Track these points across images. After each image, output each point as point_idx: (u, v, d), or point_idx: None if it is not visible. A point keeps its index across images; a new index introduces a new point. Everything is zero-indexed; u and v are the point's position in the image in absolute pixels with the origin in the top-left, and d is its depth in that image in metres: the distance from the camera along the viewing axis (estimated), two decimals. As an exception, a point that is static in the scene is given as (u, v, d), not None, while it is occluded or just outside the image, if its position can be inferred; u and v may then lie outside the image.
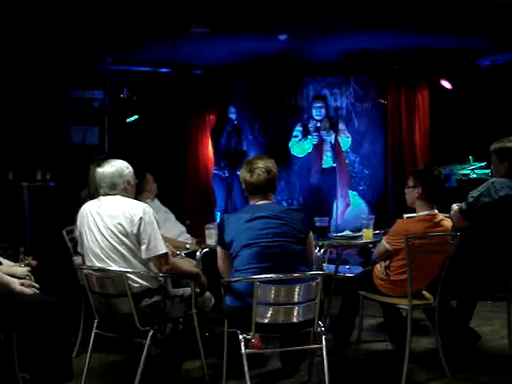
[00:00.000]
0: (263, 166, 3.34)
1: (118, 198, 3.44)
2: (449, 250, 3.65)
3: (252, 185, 3.36)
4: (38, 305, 3.16)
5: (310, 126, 6.86)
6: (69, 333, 3.47)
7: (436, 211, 3.77)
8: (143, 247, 3.32)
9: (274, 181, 3.38)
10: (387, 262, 3.78)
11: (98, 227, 3.39)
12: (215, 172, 7.11)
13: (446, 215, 3.90)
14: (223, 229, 3.31)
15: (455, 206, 4.00)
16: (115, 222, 3.34)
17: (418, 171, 3.91)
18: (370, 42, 6.17)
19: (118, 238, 3.33)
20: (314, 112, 6.84)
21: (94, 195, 3.68)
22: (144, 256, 3.34)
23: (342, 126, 6.87)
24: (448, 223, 3.80)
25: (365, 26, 5.55)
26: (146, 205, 3.44)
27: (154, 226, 3.35)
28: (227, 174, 6.99)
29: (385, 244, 3.75)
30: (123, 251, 3.34)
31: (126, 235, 3.32)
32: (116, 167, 3.46)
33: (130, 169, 3.52)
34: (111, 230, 3.34)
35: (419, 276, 3.63)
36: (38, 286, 3.30)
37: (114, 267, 3.32)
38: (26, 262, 3.50)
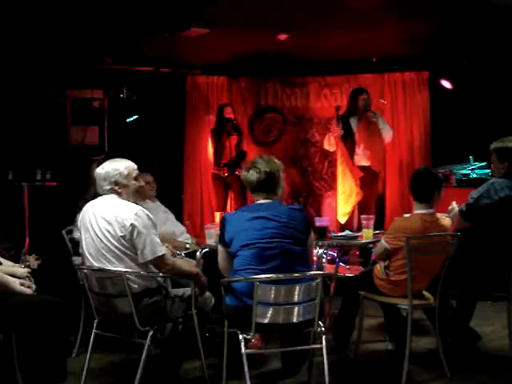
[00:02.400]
0: (264, 164, 3.34)
1: (113, 198, 3.43)
2: (449, 250, 3.65)
3: (252, 183, 3.35)
4: (38, 305, 3.16)
5: (351, 119, 6.64)
6: (67, 333, 3.46)
7: (433, 210, 3.75)
8: (139, 252, 3.32)
9: (277, 179, 3.36)
10: (386, 262, 3.78)
11: (93, 228, 3.39)
12: (215, 172, 7.09)
13: (444, 215, 3.90)
14: (224, 227, 3.31)
15: (455, 206, 4.01)
16: (108, 226, 3.33)
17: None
18: (370, 41, 6.16)
19: (109, 241, 3.33)
20: (362, 104, 6.61)
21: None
22: (141, 260, 3.33)
23: None
24: (447, 222, 3.80)
25: (365, 25, 5.55)
26: (139, 208, 3.39)
27: (148, 230, 3.32)
28: (226, 174, 6.98)
29: (383, 243, 3.75)
30: (118, 253, 3.33)
31: (118, 240, 3.31)
32: (105, 169, 3.45)
33: (121, 170, 3.43)
34: (103, 234, 3.34)
35: (419, 276, 3.63)
36: (34, 287, 3.29)
37: (113, 267, 3.32)
38: (27, 263, 3.50)
